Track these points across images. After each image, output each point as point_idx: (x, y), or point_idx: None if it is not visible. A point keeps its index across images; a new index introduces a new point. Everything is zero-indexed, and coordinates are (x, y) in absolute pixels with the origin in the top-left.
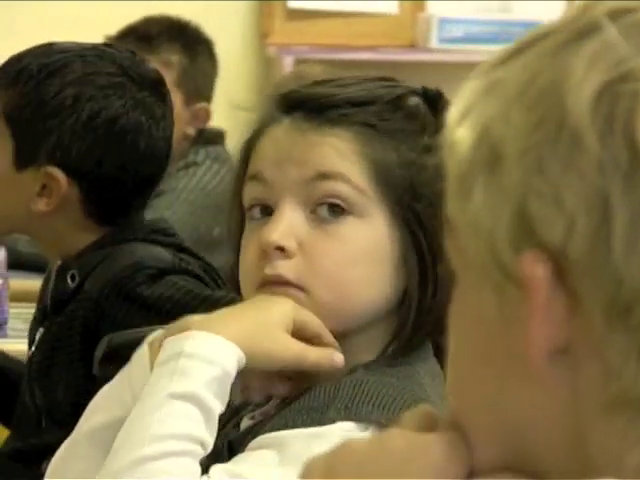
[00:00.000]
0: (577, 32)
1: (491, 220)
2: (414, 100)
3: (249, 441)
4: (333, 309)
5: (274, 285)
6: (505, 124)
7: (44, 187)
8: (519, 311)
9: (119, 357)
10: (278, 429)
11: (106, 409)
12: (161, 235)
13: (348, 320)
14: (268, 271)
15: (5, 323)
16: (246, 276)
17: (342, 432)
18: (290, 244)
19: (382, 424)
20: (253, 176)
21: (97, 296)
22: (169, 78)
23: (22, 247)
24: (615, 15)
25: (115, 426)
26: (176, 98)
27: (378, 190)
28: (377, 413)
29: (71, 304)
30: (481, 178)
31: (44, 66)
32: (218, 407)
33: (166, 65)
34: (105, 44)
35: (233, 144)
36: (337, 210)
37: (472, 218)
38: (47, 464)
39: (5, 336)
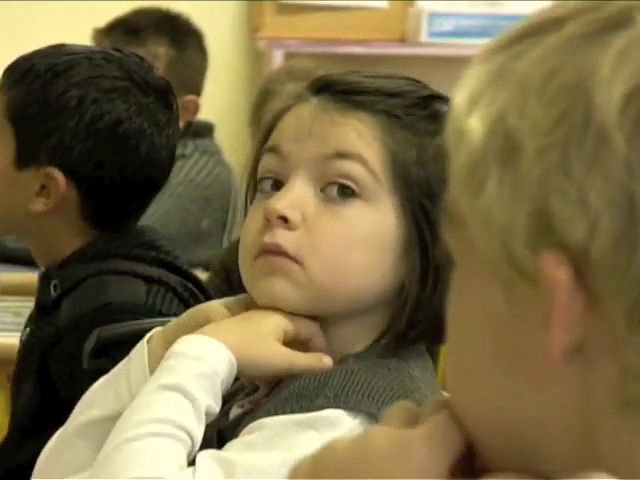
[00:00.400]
0: (603, 23)
1: (506, 215)
2: (440, 104)
3: (239, 430)
4: (326, 289)
5: (271, 254)
6: (522, 115)
7: (43, 187)
8: (530, 307)
9: (109, 351)
10: (267, 417)
11: (102, 404)
12: (146, 249)
13: (340, 303)
14: (267, 239)
15: None
16: (246, 246)
17: (330, 419)
18: (294, 215)
19: (371, 414)
20: (271, 148)
21: (61, 325)
22: None
23: (10, 242)
24: None
25: (110, 420)
26: None
27: (391, 179)
28: (366, 402)
29: (49, 316)
30: (495, 170)
31: (51, 66)
32: (205, 400)
33: (153, 57)
34: (114, 49)
35: (222, 137)
36: (347, 192)
37: (483, 211)
38: None
39: None
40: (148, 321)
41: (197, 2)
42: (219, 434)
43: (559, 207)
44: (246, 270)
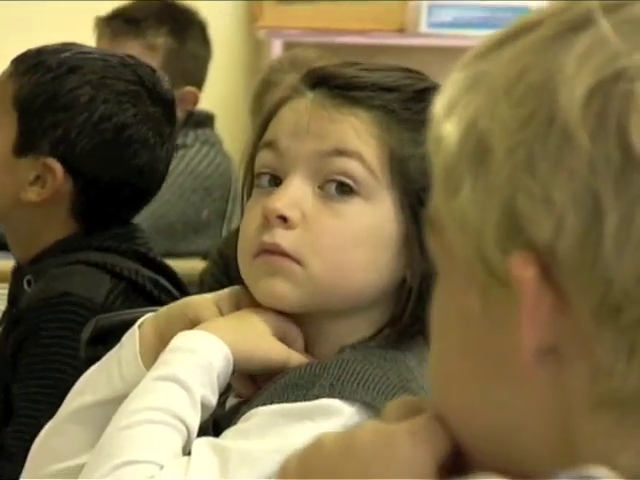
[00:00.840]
0: (569, 24)
1: (478, 217)
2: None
3: (235, 420)
4: (326, 287)
5: (270, 254)
6: (492, 118)
7: (38, 178)
8: (504, 310)
9: (106, 339)
10: (263, 406)
11: (94, 389)
12: (119, 240)
13: (340, 300)
14: (266, 238)
15: None
16: (244, 244)
17: (326, 408)
18: (293, 214)
19: (367, 403)
20: (268, 144)
21: (20, 309)
22: (153, 62)
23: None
24: (609, 8)
25: (103, 406)
26: None
27: (389, 176)
28: (362, 392)
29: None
30: (468, 174)
31: (64, 61)
32: (201, 390)
33: (150, 49)
34: (128, 56)
35: (223, 127)
36: (345, 189)
37: (459, 214)
38: None
39: None
40: (144, 310)
41: None
42: (215, 424)
43: (525, 206)
44: (246, 268)
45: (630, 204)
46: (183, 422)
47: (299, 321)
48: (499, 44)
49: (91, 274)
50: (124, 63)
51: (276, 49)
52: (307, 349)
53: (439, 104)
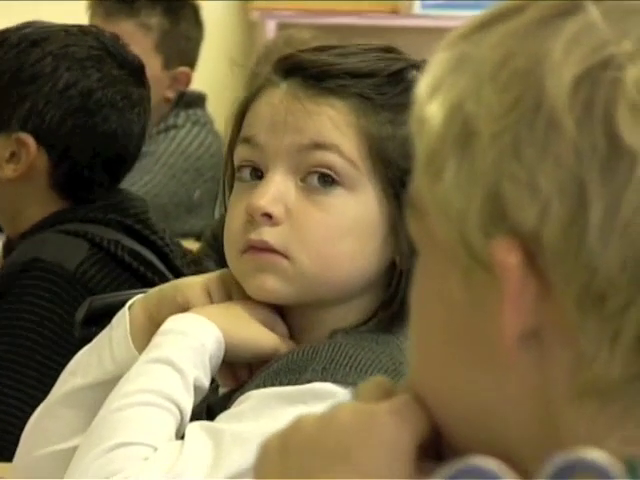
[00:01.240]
0: (556, 9)
1: (462, 201)
2: (413, 74)
3: (228, 405)
4: (316, 279)
5: (258, 251)
6: (477, 102)
7: (13, 154)
8: (487, 295)
9: (100, 319)
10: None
11: (85, 372)
12: (105, 211)
13: (330, 291)
14: (253, 236)
15: None
16: (231, 240)
17: (318, 392)
18: (278, 211)
19: None
20: (246, 139)
21: None
22: (147, 41)
23: None
24: None
25: (94, 388)
26: (155, 61)
27: (370, 164)
28: (354, 375)
29: None
30: (452, 157)
31: (26, 36)
32: (193, 372)
33: (144, 27)
34: (91, 26)
35: (215, 108)
36: (327, 180)
37: (442, 198)
38: None
39: None
40: (139, 290)
41: None
42: (209, 410)
43: (510, 191)
44: (234, 264)
45: (615, 192)
46: (176, 404)
47: (291, 311)
48: (484, 25)
49: (67, 242)
50: (85, 31)
51: (270, 30)
52: (300, 337)
53: (423, 84)
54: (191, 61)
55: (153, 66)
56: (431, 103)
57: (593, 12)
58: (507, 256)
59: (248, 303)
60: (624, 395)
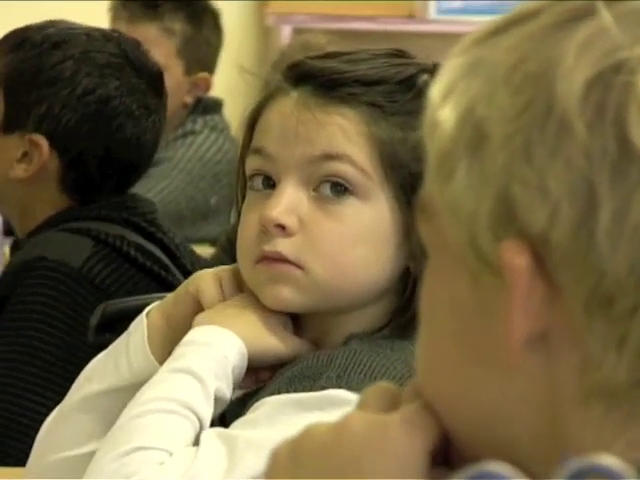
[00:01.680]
0: (570, 14)
1: (472, 203)
2: (424, 79)
3: (242, 411)
4: (330, 289)
5: (272, 261)
6: (490, 105)
7: (25, 154)
8: (495, 298)
9: (114, 325)
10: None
11: (101, 378)
12: (111, 209)
13: (345, 299)
14: (267, 248)
15: None
16: (244, 250)
17: (334, 398)
18: (291, 222)
19: None
20: (257, 150)
21: (2, 278)
22: (170, 46)
23: None
24: (611, 0)
25: (109, 394)
26: (176, 67)
27: (382, 171)
28: (369, 382)
29: None
30: (464, 159)
31: (48, 37)
32: (215, 382)
33: (168, 32)
34: (113, 30)
35: (231, 114)
36: (340, 189)
37: (452, 200)
38: None
39: None
40: (154, 296)
41: None
42: (222, 415)
43: (521, 194)
44: (248, 273)
45: (625, 196)
46: (195, 413)
47: (306, 317)
48: (498, 31)
49: (71, 240)
50: (107, 37)
51: (285, 35)
52: (316, 343)
53: (436, 89)
54: (211, 67)
55: (175, 71)
56: (444, 107)
57: (606, 17)
58: (515, 258)
59: (262, 308)
60: (630, 399)
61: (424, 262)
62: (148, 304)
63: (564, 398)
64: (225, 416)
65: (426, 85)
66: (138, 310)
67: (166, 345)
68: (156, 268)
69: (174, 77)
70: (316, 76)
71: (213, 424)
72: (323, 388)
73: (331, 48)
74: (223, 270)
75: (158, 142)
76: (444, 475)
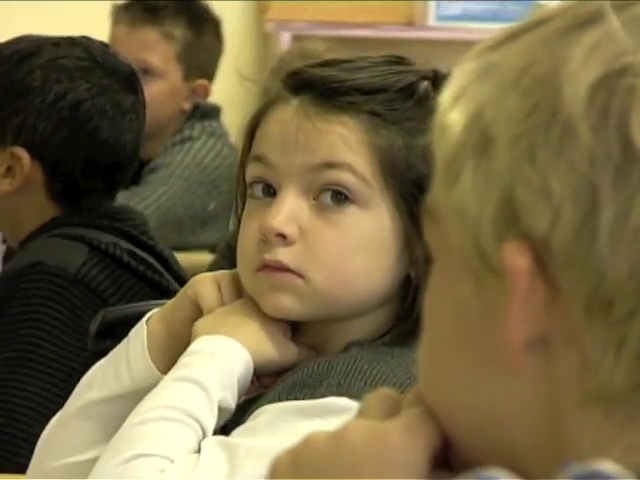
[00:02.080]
0: (579, 19)
1: (477, 206)
2: (424, 86)
3: (243, 417)
4: (330, 297)
5: (272, 270)
6: (498, 108)
7: (9, 169)
8: (497, 300)
9: (113, 332)
10: (272, 404)
11: (101, 385)
12: (102, 218)
13: (345, 308)
14: (267, 256)
15: None
16: (245, 258)
17: (334, 406)
18: (292, 231)
19: None
20: (257, 157)
21: None
22: (169, 51)
23: None
24: (620, 6)
25: (110, 402)
26: (175, 72)
27: (382, 180)
28: (369, 390)
29: None
30: (470, 162)
31: (17, 51)
32: (220, 392)
33: (168, 37)
34: (83, 37)
35: (230, 120)
36: (340, 198)
37: (457, 203)
38: None
39: None
40: (152, 302)
41: None
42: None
43: (524, 196)
44: (249, 281)
45: (627, 199)
46: (198, 422)
47: (308, 325)
48: (512, 36)
49: (66, 246)
50: (74, 42)
51: (284, 42)
52: (317, 350)
53: (447, 93)
54: (210, 75)
55: (174, 76)
56: (453, 110)
57: (614, 22)
58: (517, 259)
59: (263, 316)
60: (629, 403)
61: (425, 269)
62: (148, 311)
63: (563, 401)
64: (226, 423)
65: (426, 92)
66: (138, 317)
67: (166, 352)
68: (150, 273)
69: (173, 82)
70: (316, 84)
71: (214, 432)
72: (323, 396)
73: (329, 55)
74: (222, 274)
75: (139, 140)
76: (445, 478)
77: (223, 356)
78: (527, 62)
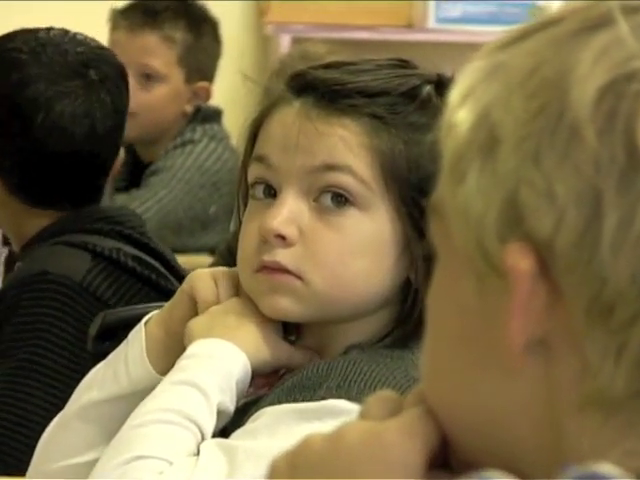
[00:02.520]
0: (588, 23)
1: (481, 206)
2: (427, 90)
3: (242, 419)
4: (329, 299)
5: (271, 271)
6: (505, 109)
7: None
8: (499, 301)
9: (113, 334)
10: (271, 407)
11: (101, 387)
12: (103, 223)
13: (344, 310)
14: (267, 257)
15: None
16: (244, 259)
17: (334, 408)
18: (291, 232)
19: None
20: (259, 158)
21: (2, 296)
22: (171, 55)
23: None
24: (629, 10)
25: (110, 403)
26: (177, 75)
27: (383, 183)
28: (368, 392)
29: None
30: (476, 162)
31: None
32: (218, 396)
33: (169, 41)
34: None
35: (231, 123)
36: (340, 200)
37: (462, 202)
38: None
39: None
40: (151, 305)
41: None
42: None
43: (528, 198)
44: (248, 282)
45: (631, 205)
46: (197, 425)
47: (307, 327)
48: (520, 37)
49: (70, 254)
50: (16, 34)
51: (284, 44)
52: (317, 352)
53: (455, 92)
54: (210, 76)
55: (175, 80)
56: (461, 109)
57: (623, 27)
58: (519, 261)
59: (260, 316)
60: (628, 409)
61: (425, 270)
62: (147, 313)
63: (563, 404)
64: (226, 425)
65: (429, 96)
66: (137, 319)
67: (165, 354)
68: (154, 277)
69: (175, 85)
70: (318, 87)
71: (214, 436)
72: (323, 398)
73: (331, 57)
74: (219, 270)
75: (94, 124)
76: (443, 478)
77: (221, 359)
78: (535, 63)
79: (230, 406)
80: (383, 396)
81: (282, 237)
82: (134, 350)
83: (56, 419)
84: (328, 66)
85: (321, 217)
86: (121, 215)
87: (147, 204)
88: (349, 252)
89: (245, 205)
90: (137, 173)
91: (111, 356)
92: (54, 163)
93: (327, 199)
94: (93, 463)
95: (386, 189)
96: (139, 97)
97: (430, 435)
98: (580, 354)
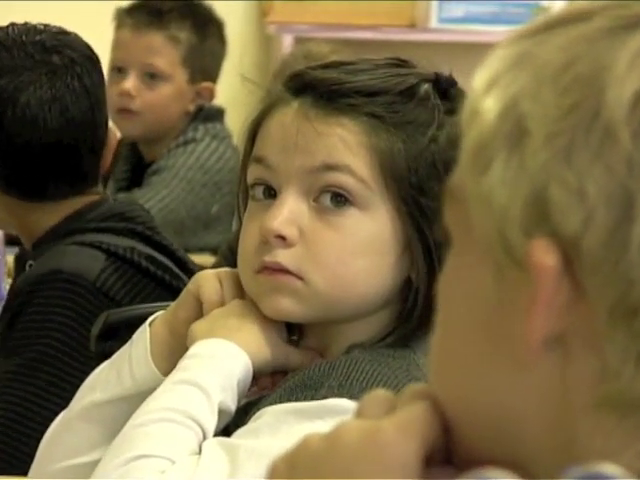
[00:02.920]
0: (621, 22)
1: (506, 197)
2: (425, 88)
3: (244, 419)
4: (330, 299)
5: (272, 271)
6: (535, 101)
7: None
8: (517, 293)
9: (116, 334)
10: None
11: (104, 387)
12: (116, 220)
13: (345, 310)
14: (267, 258)
15: (3, 299)
16: (245, 260)
17: (335, 407)
18: (291, 233)
19: None
20: (258, 159)
21: (16, 293)
22: (175, 54)
23: None
24: None
25: (113, 404)
26: (181, 75)
27: (382, 182)
28: (370, 391)
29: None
30: (502, 152)
31: None
32: (220, 395)
33: (174, 40)
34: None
35: (233, 122)
36: (340, 200)
37: (486, 191)
38: None
39: None
40: (156, 305)
41: None
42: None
43: (558, 195)
44: (248, 283)
45: None
46: (199, 424)
47: (309, 326)
48: (548, 27)
49: (84, 253)
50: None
51: (286, 44)
52: (318, 352)
53: (480, 78)
54: (214, 77)
55: (179, 80)
56: (487, 97)
57: None
58: (545, 257)
59: (262, 317)
60: None
61: (427, 272)
62: (151, 312)
63: (575, 403)
64: (228, 425)
65: (427, 95)
66: (140, 318)
67: (169, 354)
68: (167, 277)
69: (178, 85)
70: (317, 87)
71: (215, 435)
72: (324, 397)
73: (334, 57)
74: (224, 272)
75: (66, 109)
76: (445, 473)
77: (223, 359)
78: (568, 58)
79: (231, 405)
80: (378, 395)
81: (282, 238)
82: (138, 351)
83: (58, 419)
84: (326, 66)
85: (321, 217)
86: (132, 211)
87: (149, 203)
88: (350, 252)
89: (245, 206)
90: (139, 172)
91: (115, 357)
92: (35, 153)
93: (327, 199)
94: (96, 463)
95: (386, 188)
96: (143, 96)
97: (427, 433)
98: (599, 355)
